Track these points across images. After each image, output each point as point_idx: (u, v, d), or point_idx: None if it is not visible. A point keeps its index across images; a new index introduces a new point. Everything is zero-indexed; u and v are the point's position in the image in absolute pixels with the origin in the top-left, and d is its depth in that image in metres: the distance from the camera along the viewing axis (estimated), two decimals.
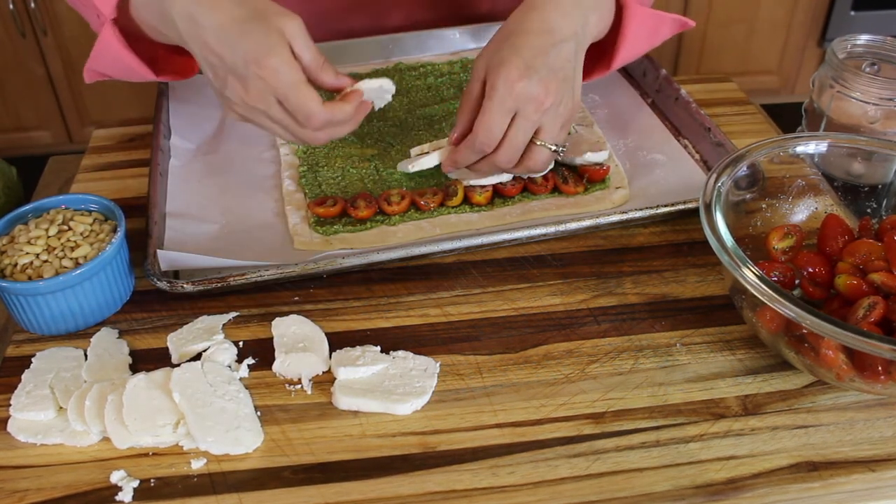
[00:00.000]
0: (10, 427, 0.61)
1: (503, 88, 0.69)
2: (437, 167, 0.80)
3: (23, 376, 0.64)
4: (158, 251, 0.72)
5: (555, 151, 0.74)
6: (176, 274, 0.73)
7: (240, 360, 0.66)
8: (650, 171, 0.86)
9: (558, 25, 0.71)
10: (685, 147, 0.89)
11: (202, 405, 0.60)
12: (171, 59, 0.82)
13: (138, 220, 0.79)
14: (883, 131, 0.86)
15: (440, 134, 0.90)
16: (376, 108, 0.78)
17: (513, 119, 0.71)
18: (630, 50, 0.81)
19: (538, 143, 0.73)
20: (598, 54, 0.82)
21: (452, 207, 0.80)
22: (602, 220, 0.77)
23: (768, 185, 0.73)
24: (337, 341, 0.68)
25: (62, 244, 0.68)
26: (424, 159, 0.79)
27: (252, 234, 0.79)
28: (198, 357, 0.66)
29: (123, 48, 0.74)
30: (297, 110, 0.68)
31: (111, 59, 0.75)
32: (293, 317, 0.70)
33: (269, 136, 0.91)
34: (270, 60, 0.65)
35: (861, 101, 0.85)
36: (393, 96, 0.78)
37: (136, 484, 0.57)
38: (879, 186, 0.80)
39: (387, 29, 1.06)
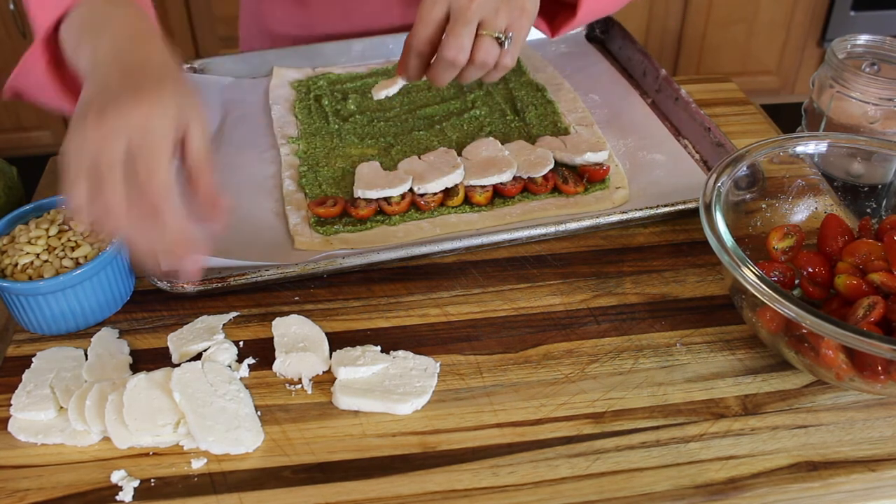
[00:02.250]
0: (11, 427, 0.61)
1: None
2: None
3: (23, 376, 0.64)
4: None
5: (497, 39, 0.73)
6: (176, 274, 0.73)
7: (240, 359, 0.66)
8: (650, 171, 0.86)
9: None
10: (685, 147, 0.89)
11: (202, 405, 0.60)
12: None
13: None
14: (883, 131, 0.86)
15: (440, 134, 0.90)
16: None
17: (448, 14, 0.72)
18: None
19: (482, 32, 0.72)
20: (567, 8, 0.84)
21: (452, 207, 0.80)
22: (602, 220, 0.77)
23: (768, 185, 0.74)
24: (337, 341, 0.68)
25: (62, 244, 0.68)
26: (390, 89, 0.80)
27: (252, 234, 0.79)
28: (198, 357, 0.66)
29: (47, 72, 0.66)
30: (146, 159, 0.54)
31: (33, 80, 0.68)
32: (293, 317, 0.70)
33: (270, 136, 0.92)
34: (154, 103, 0.54)
35: (861, 101, 0.85)
36: None
37: (136, 484, 0.57)
38: (879, 186, 0.80)
39: (382, 31, 1.06)
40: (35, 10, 0.64)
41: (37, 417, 0.61)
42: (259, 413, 0.62)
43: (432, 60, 0.75)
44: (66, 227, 0.70)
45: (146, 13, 0.65)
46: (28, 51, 0.65)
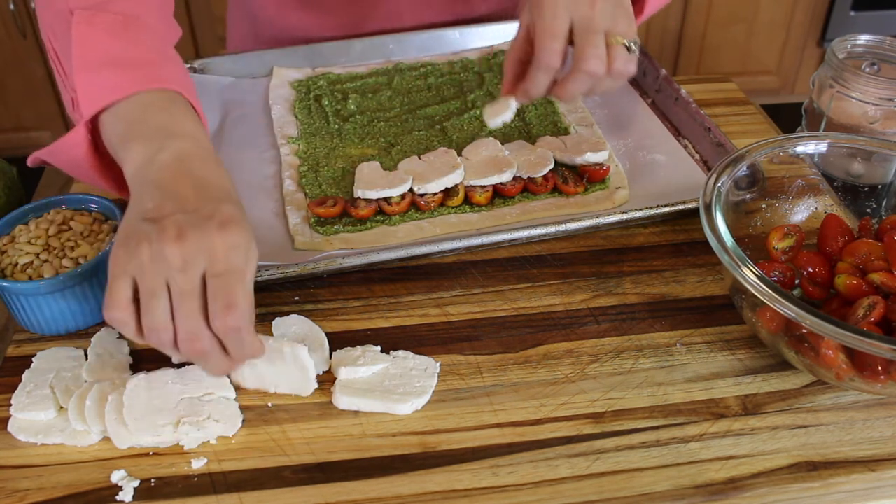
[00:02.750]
0: (11, 427, 0.61)
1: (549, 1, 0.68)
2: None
3: (23, 376, 0.64)
4: None
5: (628, 48, 0.71)
6: None
7: None
8: (650, 171, 0.86)
9: None
10: (685, 147, 0.89)
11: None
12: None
13: None
14: (883, 131, 0.86)
15: (440, 134, 0.90)
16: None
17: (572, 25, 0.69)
18: None
19: (612, 41, 0.70)
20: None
21: (452, 207, 0.80)
22: (602, 220, 0.77)
23: (768, 185, 0.74)
24: (337, 341, 0.68)
25: (62, 244, 0.68)
26: (505, 115, 0.77)
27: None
28: None
29: (88, 155, 0.65)
30: (224, 288, 0.53)
31: (71, 159, 0.66)
32: (293, 317, 0.70)
33: (270, 136, 0.92)
34: (238, 227, 0.55)
35: (861, 101, 0.85)
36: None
37: (136, 484, 0.57)
38: (879, 186, 0.80)
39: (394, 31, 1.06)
40: (82, 97, 0.62)
41: (37, 417, 0.61)
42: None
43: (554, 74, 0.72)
44: (66, 227, 0.70)
45: (202, 123, 0.65)
46: (68, 134, 0.64)
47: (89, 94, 0.62)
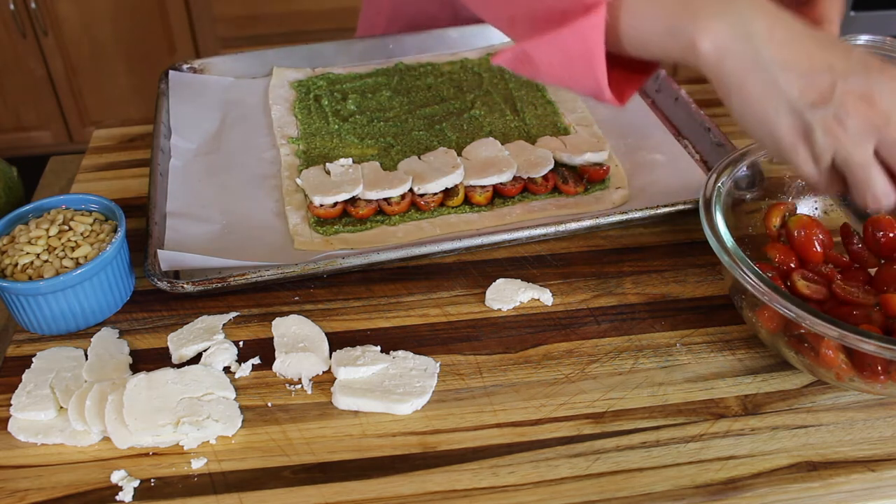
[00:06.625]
0: (11, 427, 0.61)
1: None
2: None
3: (23, 376, 0.64)
4: (159, 251, 0.73)
5: None
6: (176, 274, 0.73)
7: (240, 360, 0.66)
8: (650, 171, 0.86)
9: None
10: (685, 147, 0.89)
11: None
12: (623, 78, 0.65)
13: (139, 220, 0.79)
14: None
15: (440, 134, 0.90)
16: None
17: None
18: None
19: None
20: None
21: (452, 207, 0.80)
22: (602, 220, 0.77)
23: (768, 185, 0.74)
24: (337, 341, 0.68)
25: (63, 244, 0.68)
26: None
27: (252, 234, 0.79)
28: (198, 357, 0.66)
29: (600, 44, 0.58)
30: None
31: (570, 53, 0.59)
32: (293, 317, 0.70)
33: (270, 136, 0.92)
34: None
35: None
36: None
37: (136, 484, 0.57)
38: None
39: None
40: None
41: (37, 417, 0.61)
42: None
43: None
44: (66, 228, 0.70)
45: None
46: (576, 19, 0.57)
47: None
